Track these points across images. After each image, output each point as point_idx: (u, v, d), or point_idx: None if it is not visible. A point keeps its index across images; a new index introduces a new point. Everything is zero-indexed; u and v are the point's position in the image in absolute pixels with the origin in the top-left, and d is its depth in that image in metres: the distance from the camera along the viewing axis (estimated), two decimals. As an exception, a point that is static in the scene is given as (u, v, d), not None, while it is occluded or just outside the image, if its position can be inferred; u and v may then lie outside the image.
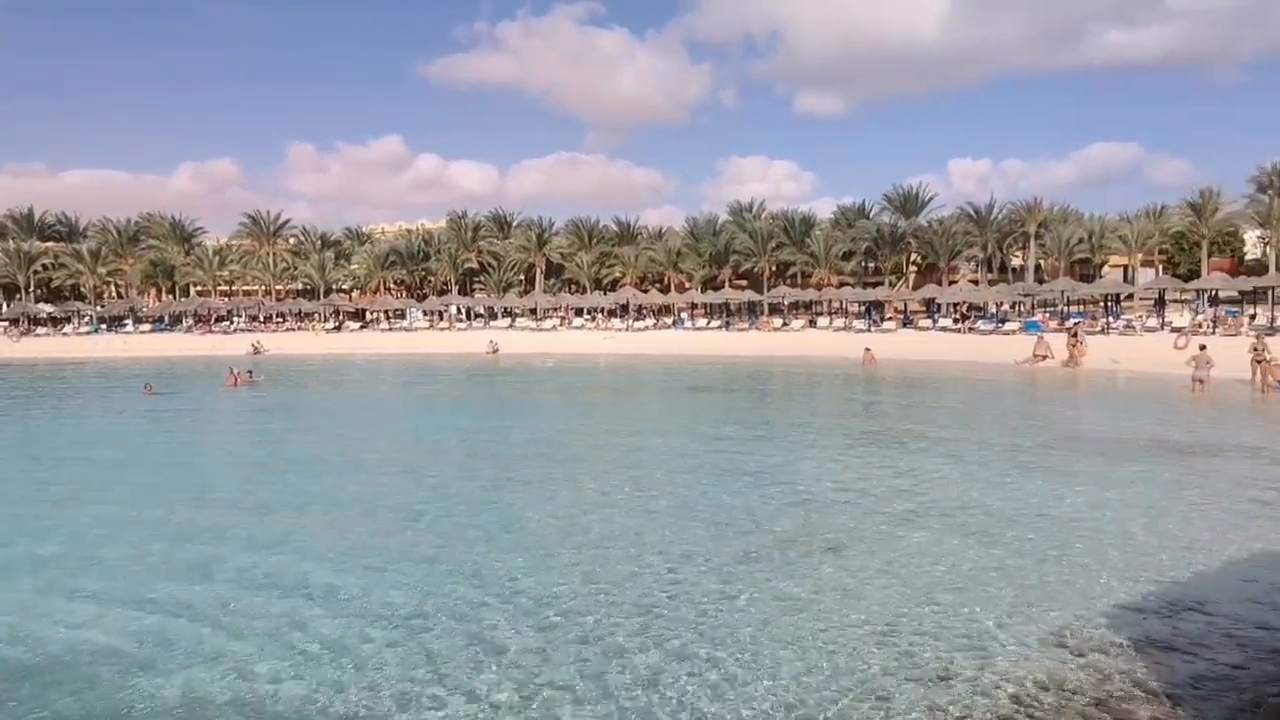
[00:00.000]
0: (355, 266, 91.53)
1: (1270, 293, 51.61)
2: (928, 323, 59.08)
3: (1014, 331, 49.32)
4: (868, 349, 39.35)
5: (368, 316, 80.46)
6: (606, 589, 8.75)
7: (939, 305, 61.20)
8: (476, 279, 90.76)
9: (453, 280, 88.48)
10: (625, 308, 70.91)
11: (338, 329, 72.89)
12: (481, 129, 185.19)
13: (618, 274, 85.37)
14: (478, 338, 57.90)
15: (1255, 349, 25.82)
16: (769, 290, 72.06)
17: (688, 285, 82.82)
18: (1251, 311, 50.84)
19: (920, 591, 8.51)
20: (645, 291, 79.40)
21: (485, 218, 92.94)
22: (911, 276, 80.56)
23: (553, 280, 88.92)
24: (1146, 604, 8.06)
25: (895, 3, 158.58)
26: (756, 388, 32.28)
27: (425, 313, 76.16)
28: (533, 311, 73.11)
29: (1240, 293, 54.17)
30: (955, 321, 57.29)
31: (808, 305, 71.67)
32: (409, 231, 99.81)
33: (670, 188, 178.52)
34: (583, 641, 7.46)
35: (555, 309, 73.94)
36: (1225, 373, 25.59)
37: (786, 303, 69.30)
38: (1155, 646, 7.10)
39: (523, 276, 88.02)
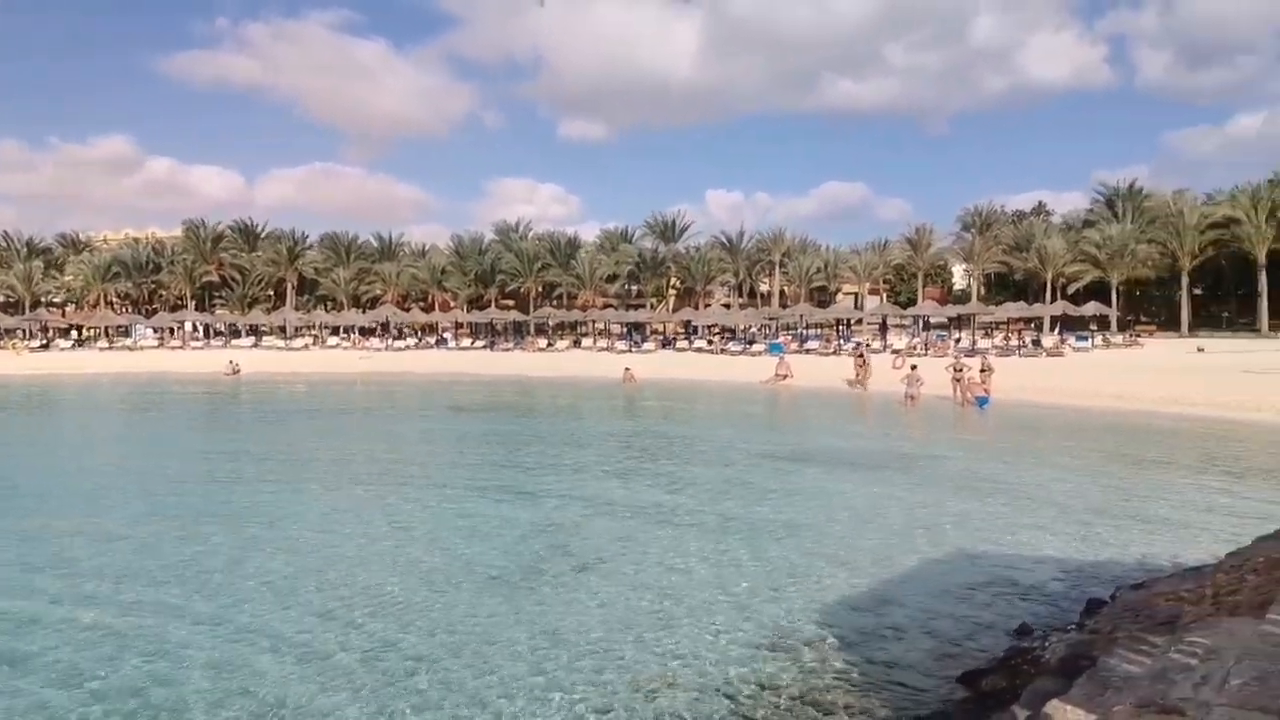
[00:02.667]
0: (70, 277, 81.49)
1: (972, 319, 58.95)
2: (685, 344, 61.80)
3: (760, 353, 52.69)
4: (628, 369, 40.42)
5: (84, 333, 71.72)
6: (338, 609, 8.12)
7: (696, 327, 64.25)
8: (217, 294, 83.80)
9: (188, 294, 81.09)
10: (385, 326, 68.25)
11: (45, 347, 64.38)
12: (225, 133, 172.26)
13: (378, 291, 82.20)
14: (216, 357, 53.28)
15: (954, 368, 29.16)
16: (535, 311, 72.28)
17: (452, 304, 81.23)
18: (956, 335, 57.66)
19: (647, 602, 8.63)
20: (407, 310, 76.95)
21: (229, 227, 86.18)
22: (671, 299, 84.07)
23: (306, 297, 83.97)
24: (856, 601, 8.66)
25: (651, 38, 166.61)
26: (516, 406, 32.07)
27: (155, 330, 69.12)
28: (282, 329, 68.50)
29: (948, 319, 61.49)
30: (709, 343, 60.33)
31: (573, 326, 72.64)
32: (137, 240, 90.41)
33: (436, 205, 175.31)
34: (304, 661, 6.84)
35: (308, 327, 69.75)
36: (933, 390, 28.67)
37: (552, 323, 69.83)
38: (860, 638, 7.62)
39: (271, 292, 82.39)
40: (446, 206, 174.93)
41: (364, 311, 75.29)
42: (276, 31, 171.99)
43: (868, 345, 48.38)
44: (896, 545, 10.74)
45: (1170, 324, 67.56)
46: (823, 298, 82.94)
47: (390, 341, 65.56)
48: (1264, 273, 62.81)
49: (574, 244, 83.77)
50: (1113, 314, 64.28)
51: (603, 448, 20.15)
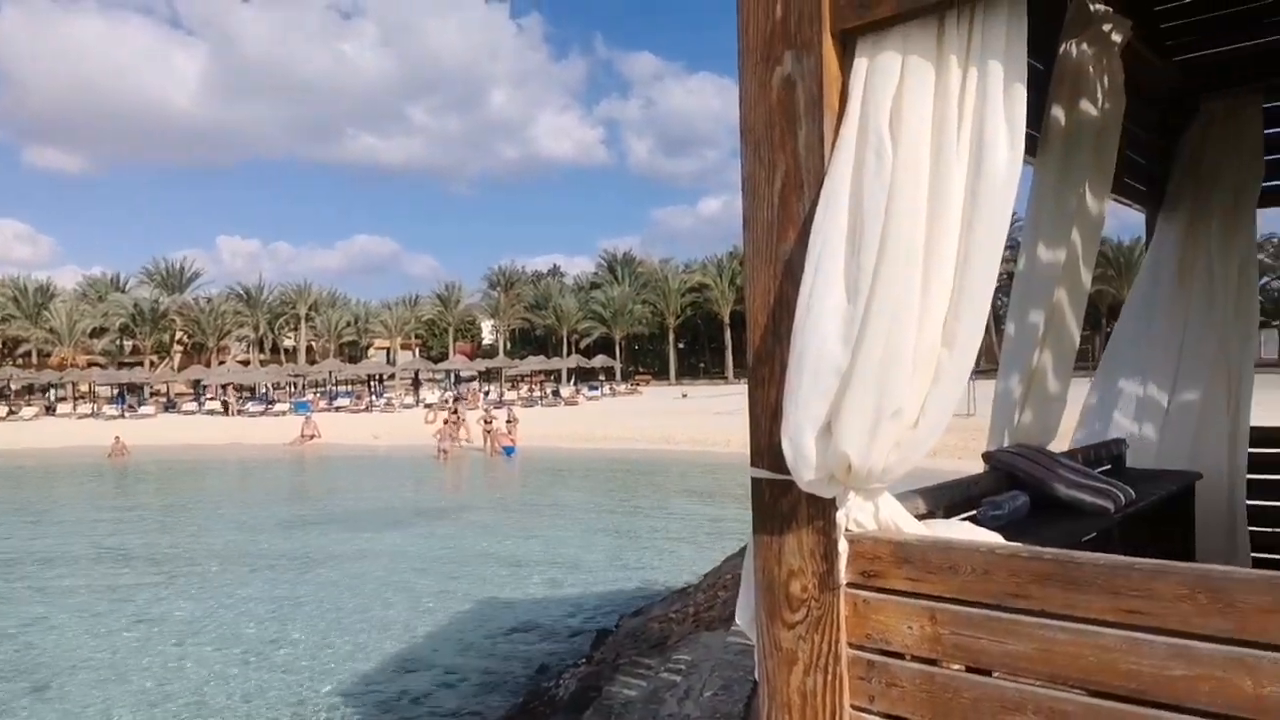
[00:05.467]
0: None
1: (500, 372, 61.79)
2: (193, 406, 55.19)
3: (284, 413, 49.14)
4: (118, 437, 34.67)
5: None
6: None
7: (206, 387, 57.86)
8: None
9: None
10: None
11: None
12: None
13: None
14: None
15: (484, 420, 30.13)
16: (-11, 371, 59.00)
17: None
18: (486, 388, 59.91)
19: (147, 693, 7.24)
20: None
21: None
22: (177, 357, 74.82)
23: None
24: (373, 675, 8.17)
25: (143, 66, 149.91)
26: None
27: None
28: None
29: (478, 372, 63.71)
30: (224, 404, 54.67)
31: (45, 389, 60.66)
32: None
33: None
34: None
35: None
36: (465, 441, 29.20)
37: (14, 386, 57.61)
38: (380, 712, 7.17)
39: None
40: None
41: None
42: None
43: (392, 400, 47.85)
44: (419, 605, 10.47)
45: (662, 373, 77.81)
46: (354, 353, 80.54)
47: None
48: (729, 329, 75.72)
49: (46, 292, 70.56)
50: (618, 365, 72.29)
51: (67, 535, 16.82)
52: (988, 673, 1.75)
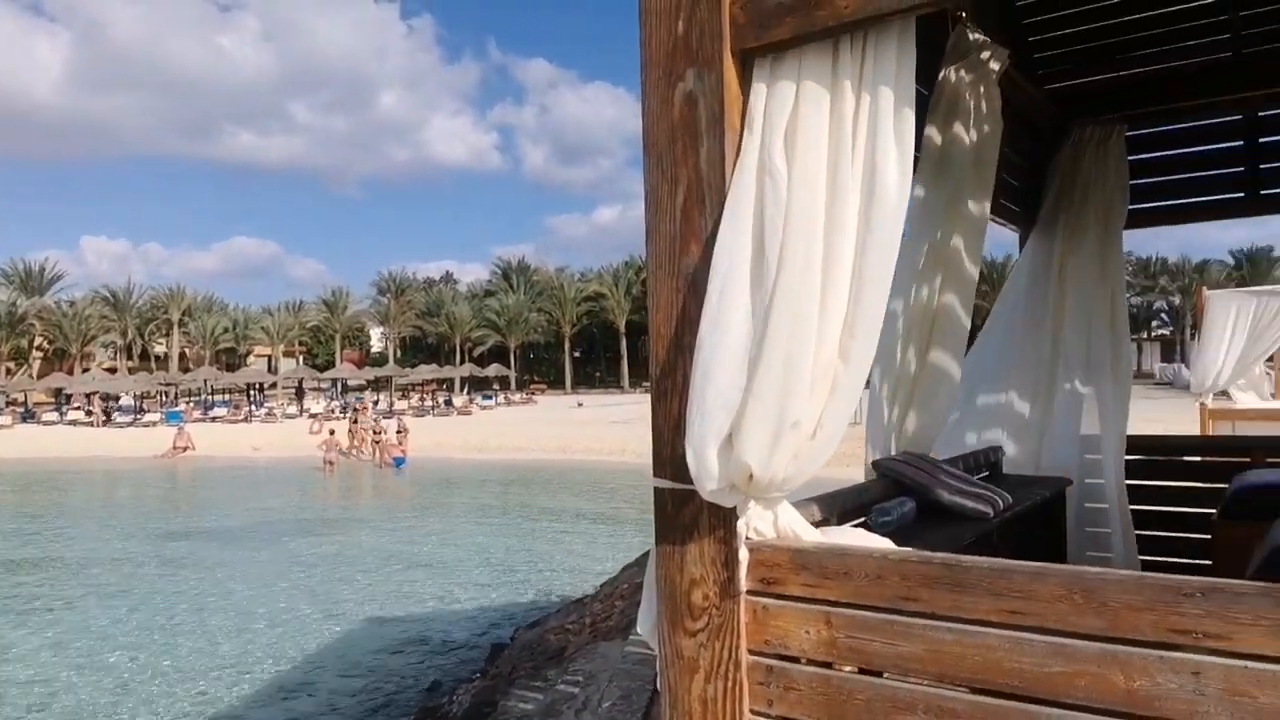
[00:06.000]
0: None
1: (391, 381, 60.26)
2: (54, 415, 51.67)
3: (156, 423, 46.55)
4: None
5: None
6: None
7: (69, 395, 54.28)
8: None
9: None
10: None
11: None
12: None
13: None
14: None
15: (374, 430, 29.32)
16: None
17: None
18: (375, 398, 58.32)
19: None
20: None
21: None
22: (36, 363, 69.91)
23: None
24: (259, 699, 7.83)
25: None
26: None
27: None
28: None
29: (367, 381, 61.95)
30: (88, 413, 51.39)
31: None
32: None
33: None
34: None
35: None
36: (359, 455, 28.35)
37: None
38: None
39: None
40: None
41: None
42: None
43: (274, 410, 46.02)
44: (302, 624, 10.09)
45: (557, 382, 77.51)
46: (231, 360, 77.09)
47: None
48: (625, 339, 76.09)
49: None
50: (512, 374, 71.62)
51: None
52: (880, 674, 1.81)
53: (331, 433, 28.62)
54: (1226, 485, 3.19)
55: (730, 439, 1.85)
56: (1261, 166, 4.09)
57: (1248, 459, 3.99)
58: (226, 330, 74.57)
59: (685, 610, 2.01)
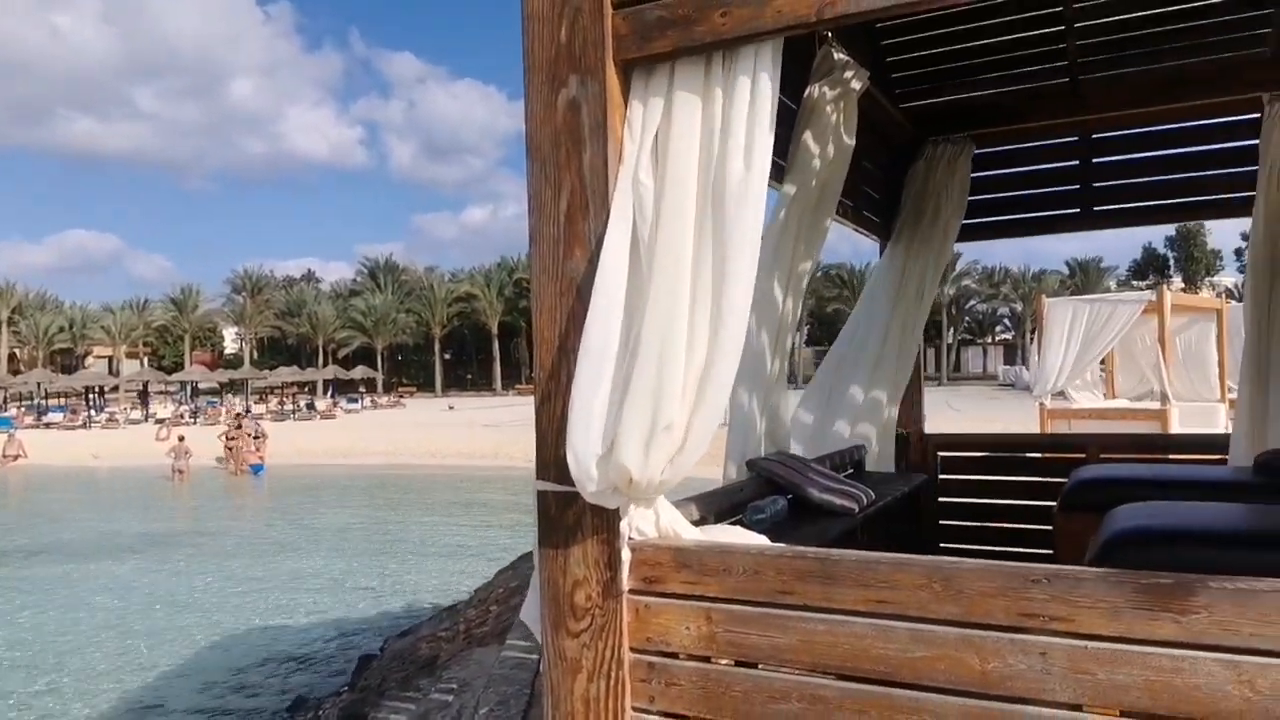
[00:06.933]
0: None
1: (246, 384, 57.35)
2: None
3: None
4: None
5: None
6: None
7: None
8: None
9: None
10: None
11: None
12: None
13: None
14: None
15: (228, 435, 27.83)
16: None
17: None
18: (247, 404, 55.39)
19: None
20: None
21: None
22: None
23: None
24: (106, 715, 7.32)
25: None
26: None
27: None
28: None
29: (220, 384, 58.71)
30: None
31: None
32: None
33: None
34: None
35: None
36: (206, 460, 26.84)
37: None
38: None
39: None
40: None
41: None
42: None
43: (115, 415, 43.06)
44: (153, 642, 9.50)
45: (427, 385, 75.73)
46: (68, 362, 71.46)
47: None
48: (497, 341, 75.13)
49: None
50: (379, 377, 69.50)
51: None
52: (757, 665, 1.89)
53: (181, 439, 26.95)
54: (1065, 480, 3.45)
55: (610, 441, 1.88)
56: (1094, 184, 4.46)
57: (1083, 455, 4.33)
58: (62, 330, 69.24)
59: (569, 611, 2.03)
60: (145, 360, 75.24)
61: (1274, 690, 1.45)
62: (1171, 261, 67.83)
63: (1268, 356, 3.59)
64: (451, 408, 54.21)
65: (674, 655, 1.95)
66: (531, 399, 2.10)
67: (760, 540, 2.12)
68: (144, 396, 55.82)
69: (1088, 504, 2.94)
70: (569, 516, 2.03)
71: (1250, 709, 1.46)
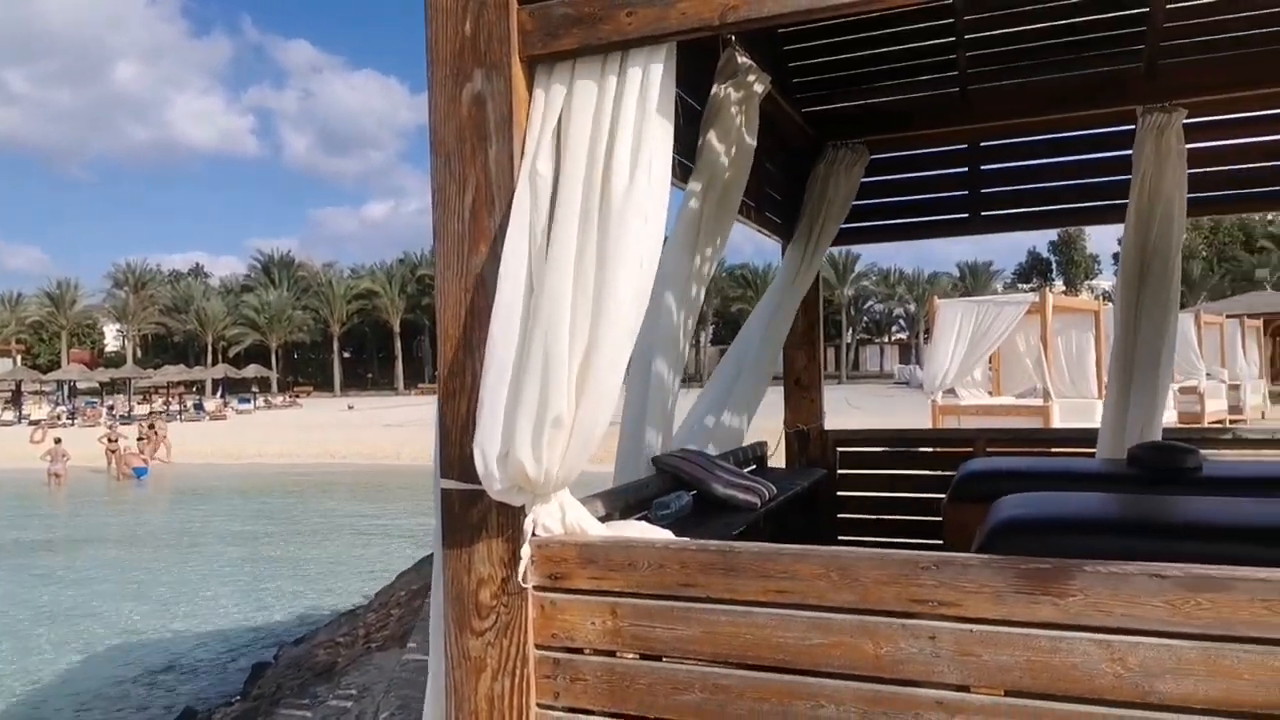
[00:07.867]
0: None
1: (129, 383, 54.46)
2: None
3: None
4: None
5: None
6: None
7: None
8: None
9: None
10: None
11: None
12: None
13: None
14: None
15: (109, 438, 26.40)
16: None
17: None
18: (110, 402, 52.49)
19: None
20: None
21: None
22: None
23: None
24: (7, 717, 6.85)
25: None
26: None
27: None
28: None
29: (100, 383, 55.59)
30: None
31: None
32: None
33: None
34: None
35: None
36: (85, 462, 25.40)
37: None
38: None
39: None
40: None
41: None
42: None
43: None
44: (26, 656, 8.93)
45: (326, 384, 73.45)
46: (-71, 360, 66.53)
47: None
48: (399, 339, 73.48)
49: None
50: (274, 376, 66.96)
51: None
52: (661, 658, 1.91)
53: (58, 440, 25.41)
54: (954, 472, 3.59)
55: (509, 439, 1.87)
56: (982, 191, 4.66)
57: (971, 449, 4.53)
58: (-79, 325, 64.29)
59: (473, 609, 2.01)
60: (18, 358, 70.58)
61: (1143, 666, 1.56)
62: (1054, 265, 71.44)
63: (1133, 356, 3.82)
64: (351, 407, 52.71)
65: (579, 650, 1.96)
66: (435, 399, 2.08)
67: (666, 535, 2.15)
68: (17, 396, 52.38)
69: (975, 495, 3.08)
70: (473, 514, 2.02)
71: (1121, 684, 1.57)
